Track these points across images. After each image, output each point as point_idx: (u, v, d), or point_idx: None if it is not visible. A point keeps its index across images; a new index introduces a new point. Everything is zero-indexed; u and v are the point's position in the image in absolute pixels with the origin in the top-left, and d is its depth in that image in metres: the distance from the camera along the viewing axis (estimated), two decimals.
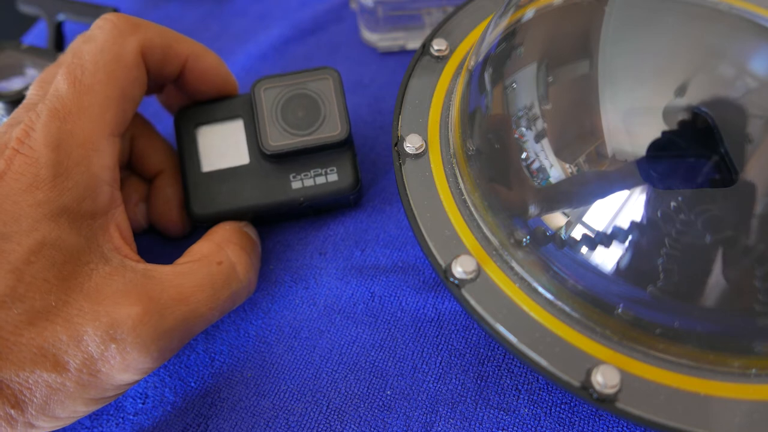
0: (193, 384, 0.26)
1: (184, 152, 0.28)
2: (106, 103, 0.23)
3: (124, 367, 0.21)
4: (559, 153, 0.23)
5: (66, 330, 0.20)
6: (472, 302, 0.22)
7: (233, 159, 0.28)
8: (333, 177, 0.27)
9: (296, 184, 0.27)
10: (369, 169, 0.31)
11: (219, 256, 0.24)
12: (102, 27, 0.24)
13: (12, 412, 0.20)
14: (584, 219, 0.22)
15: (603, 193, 0.22)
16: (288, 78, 0.27)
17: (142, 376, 0.22)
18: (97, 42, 0.24)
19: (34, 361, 0.20)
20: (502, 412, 0.24)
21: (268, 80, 0.27)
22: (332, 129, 0.27)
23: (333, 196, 0.27)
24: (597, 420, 0.24)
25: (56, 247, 0.21)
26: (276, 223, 0.30)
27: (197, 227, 0.30)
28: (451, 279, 0.22)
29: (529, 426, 0.24)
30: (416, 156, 0.26)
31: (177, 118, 0.28)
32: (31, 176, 0.21)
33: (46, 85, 0.24)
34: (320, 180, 0.27)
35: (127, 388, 0.22)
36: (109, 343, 0.20)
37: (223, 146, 0.28)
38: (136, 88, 0.24)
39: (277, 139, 0.26)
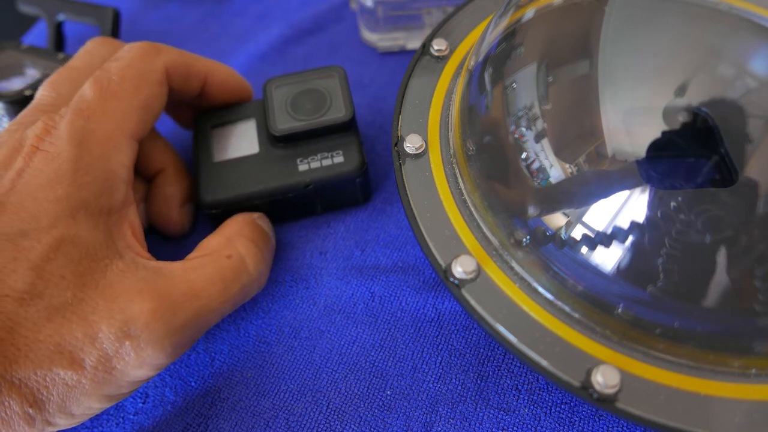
0: (193, 383, 0.26)
1: (198, 147, 0.29)
2: (129, 111, 0.24)
3: (138, 364, 0.21)
4: (559, 153, 0.23)
5: (81, 327, 0.20)
6: (472, 302, 0.22)
7: (244, 150, 0.29)
8: (339, 159, 0.28)
9: (303, 167, 0.28)
10: (369, 169, 0.31)
11: (228, 249, 0.25)
12: (130, 50, 0.26)
13: (30, 410, 0.20)
14: (584, 219, 0.22)
15: (603, 193, 0.22)
16: (297, 76, 0.29)
17: (156, 372, 0.22)
18: (125, 60, 0.25)
19: (51, 359, 0.20)
20: (502, 412, 0.24)
21: (279, 79, 0.29)
22: (337, 113, 0.28)
23: (339, 179, 0.28)
24: (597, 420, 0.24)
25: (74, 243, 0.21)
26: (281, 221, 0.30)
27: (197, 226, 0.30)
28: (451, 279, 0.22)
29: (529, 426, 0.24)
30: (416, 156, 0.26)
31: (195, 121, 0.30)
32: (52, 171, 0.21)
33: (56, 86, 0.25)
34: (326, 162, 0.28)
35: (140, 384, 0.22)
36: (124, 340, 0.21)
37: (235, 140, 0.29)
38: (157, 103, 0.26)
39: (286, 123, 0.28)
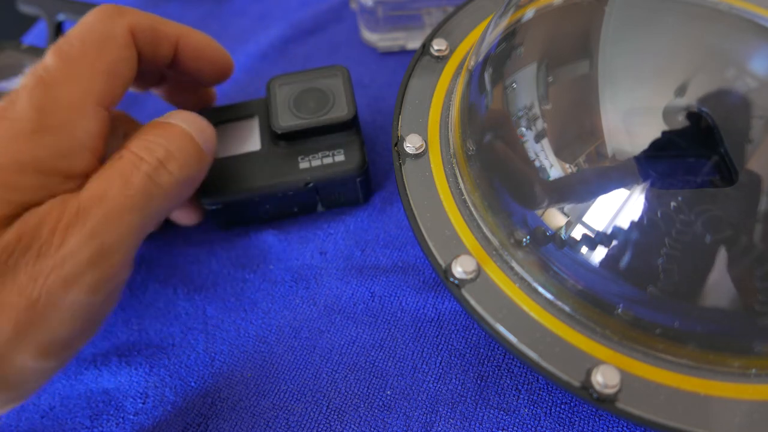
0: (193, 384, 0.26)
1: None
2: (94, 75, 0.23)
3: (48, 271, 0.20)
4: (559, 153, 0.23)
5: None
6: (472, 302, 0.22)
7: (246, 147, 0.29)
8: (340, 157, 0.28)
9: (304, 165, 0.28)
10: (369, 168, 0.31)
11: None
12: (90, 14, 0.25)
13: None
14: (584, 219, 0.22)
15: (603, 193, 0.22)
16: (301, 75, 0.29)
17: (90, 297, 0.21)
18: (85, 24, 0.24)
19: None
20: (502, 412, 0.24)
21: (283, 77, 0.29)
22: (340, 111, 0.28)
23: (340, 177, 0.28)
24: (597, 420, 0.24)
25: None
26: (282, 219, 0.30)
27: (206, 217, 0.30)
28: (451, 279, 0.22)
29: (529, 426, 0.24)
30: (416, 156, 0.26)
31: None
32: (12, 134, 0.21)
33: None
34: (327, 160, 0.28)
35: (69, 350, 0.21)
36: None
37: (238, 137, 0.29)
38: (125, 66, 0.24)
39: (288, 120, 0.28)
